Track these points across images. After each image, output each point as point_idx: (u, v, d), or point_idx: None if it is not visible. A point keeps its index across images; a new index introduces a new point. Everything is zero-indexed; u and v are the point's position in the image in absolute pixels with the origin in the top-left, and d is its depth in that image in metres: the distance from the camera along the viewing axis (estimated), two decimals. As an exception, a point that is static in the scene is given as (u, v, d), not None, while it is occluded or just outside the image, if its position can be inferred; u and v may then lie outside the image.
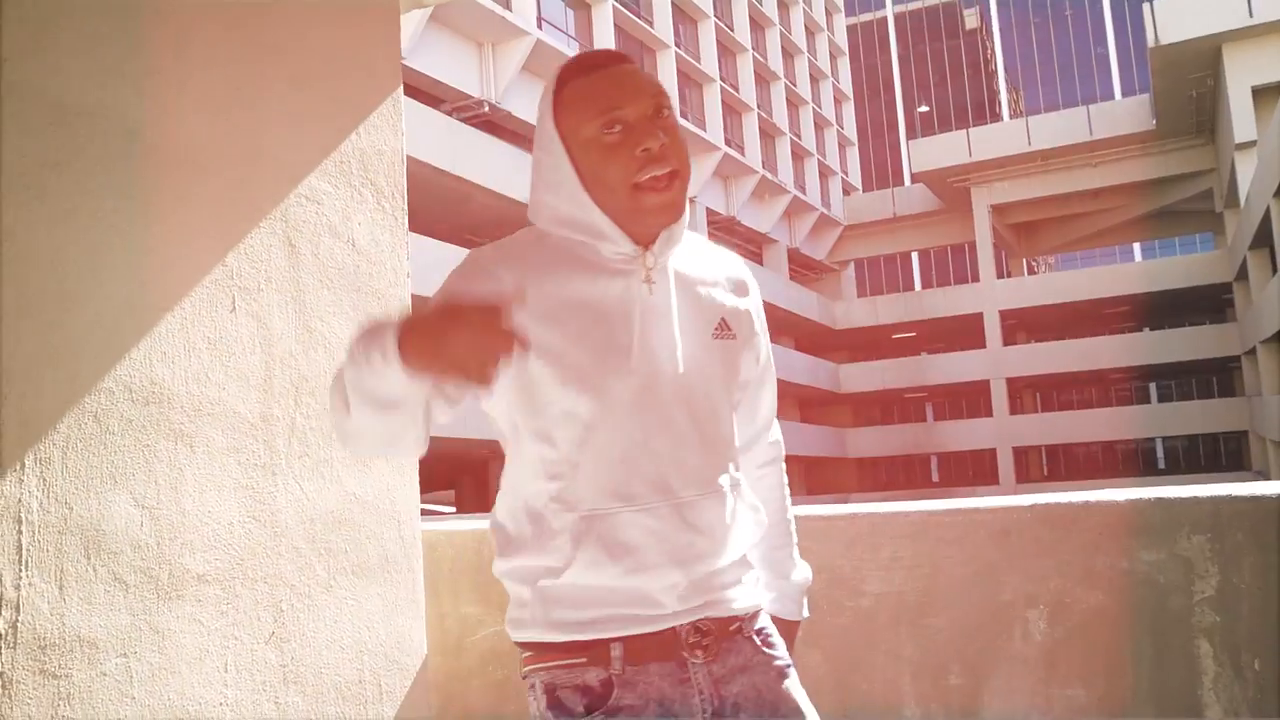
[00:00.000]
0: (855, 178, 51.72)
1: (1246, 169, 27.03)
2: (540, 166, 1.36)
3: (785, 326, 39.49)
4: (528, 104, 25.46)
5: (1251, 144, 26.47)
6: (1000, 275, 42.42)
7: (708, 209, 34.94)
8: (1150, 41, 27.18)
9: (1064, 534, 2.17)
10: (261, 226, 2.22)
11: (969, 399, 44.05)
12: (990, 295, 39.51)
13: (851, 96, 52.75)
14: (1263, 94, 26.09)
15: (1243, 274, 31.31)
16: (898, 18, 66.83)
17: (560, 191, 1.34)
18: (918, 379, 40.78)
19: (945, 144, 40.64)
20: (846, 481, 43.03)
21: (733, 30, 37.32)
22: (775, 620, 1.49)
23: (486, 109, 23.96)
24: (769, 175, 38.51)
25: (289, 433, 2.24)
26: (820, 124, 46.94)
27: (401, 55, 2.61)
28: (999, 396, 38.77)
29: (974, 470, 43.08)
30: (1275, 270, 24.69)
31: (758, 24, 40.22)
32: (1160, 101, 32.29)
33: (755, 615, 1.41)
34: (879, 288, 53.78)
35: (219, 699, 2.05)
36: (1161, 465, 43.51)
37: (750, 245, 40.02)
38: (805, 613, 1.58)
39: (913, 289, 53.50)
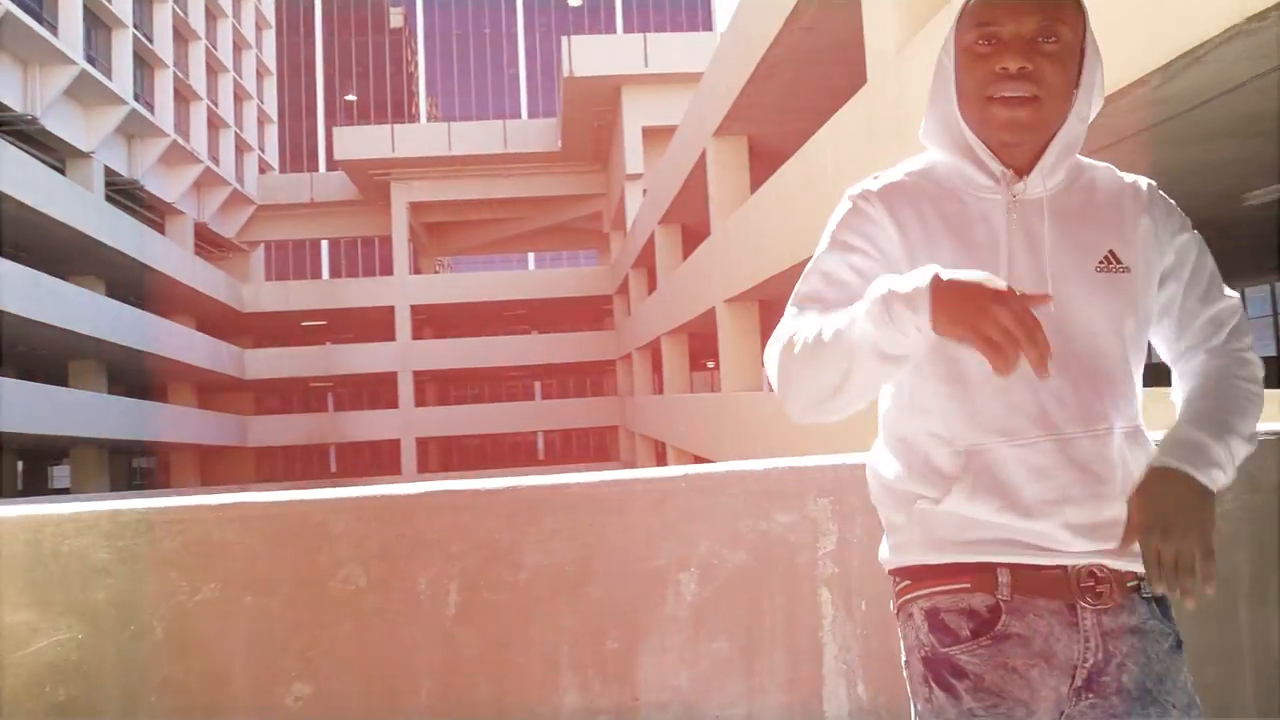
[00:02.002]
0: (273, 157, 49.64)
1: (634, 197, 31.15)
2: (933, 77, 1.38)
3: (187, 306, 36.63)
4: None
5: (639, 176, 30.57)
6: (413, 271, 43.72)
7: (107, 168, 31.08)
8: (565, 72, 30.03)
9: (713, 500, 2.35)
10: None
11: (372, 390, 44.78)
12: (403, 290, 40.56)
13: (274, 73, 50.58)
14: (652, 134, 30.18)
15: (624, 288, 36.00)
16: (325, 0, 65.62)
17: (938, 102, 1.36)
18: (324, 368, 40.41)
19: (369, 136, 40.81)
20: (244, 471, 41.19)
21: (151, -26, 33.69)
22: (1162, 471, 1.24)
23: None
24: (181, 141, 35.37)
25: None
26: (240, 95, 44.29)
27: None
28: (405, 389, 39.93)
29: (373, 460, 43.89)
30: (653, 288, 28.79)
31: (179, -27, 36.79)
32: (566, 127, 35.82)
33: None
34: (287, 273, 52.29)
35: None
36: (542, 456, 48.31)
37: (152, 214, 36.40)
38: (1214, 480, 1.23)
39: (321, 276, 52.88)
